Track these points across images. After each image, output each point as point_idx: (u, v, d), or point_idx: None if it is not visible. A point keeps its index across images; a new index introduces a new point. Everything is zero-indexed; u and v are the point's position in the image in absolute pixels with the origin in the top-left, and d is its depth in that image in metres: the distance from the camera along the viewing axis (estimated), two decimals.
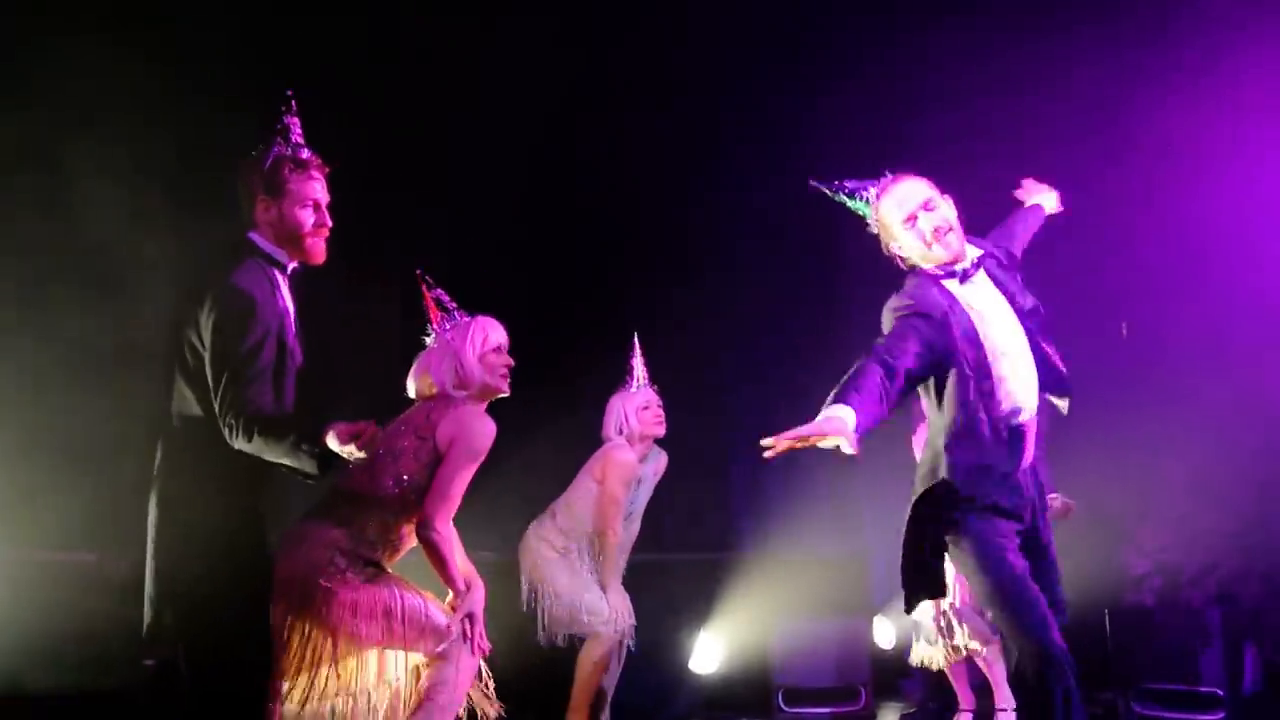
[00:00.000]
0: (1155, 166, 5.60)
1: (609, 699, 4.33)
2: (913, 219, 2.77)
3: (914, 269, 2.83)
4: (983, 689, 4.55)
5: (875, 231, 2.89)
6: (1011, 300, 2.78)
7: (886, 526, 4.85)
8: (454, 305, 3.33)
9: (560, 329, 5.69)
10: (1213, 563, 5.86)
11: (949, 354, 2.66)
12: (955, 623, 4.36)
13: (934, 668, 4.58)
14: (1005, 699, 4.39)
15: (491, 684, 3.09)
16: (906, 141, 5.88)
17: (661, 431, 4.42)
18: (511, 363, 3.26)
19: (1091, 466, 4.75)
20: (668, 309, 5.66)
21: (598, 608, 4.17)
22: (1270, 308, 5.63)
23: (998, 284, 2.80)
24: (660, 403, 4.43)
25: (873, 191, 2.87)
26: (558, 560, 4.25)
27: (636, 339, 4.53)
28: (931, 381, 2.71)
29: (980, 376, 2.66)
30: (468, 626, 2.92)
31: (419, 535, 2.95)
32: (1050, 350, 2.79)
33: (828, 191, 2.96)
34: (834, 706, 5.16)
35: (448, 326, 3.28)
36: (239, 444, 2.51)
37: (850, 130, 5.98)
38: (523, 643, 4.27)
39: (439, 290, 3.34)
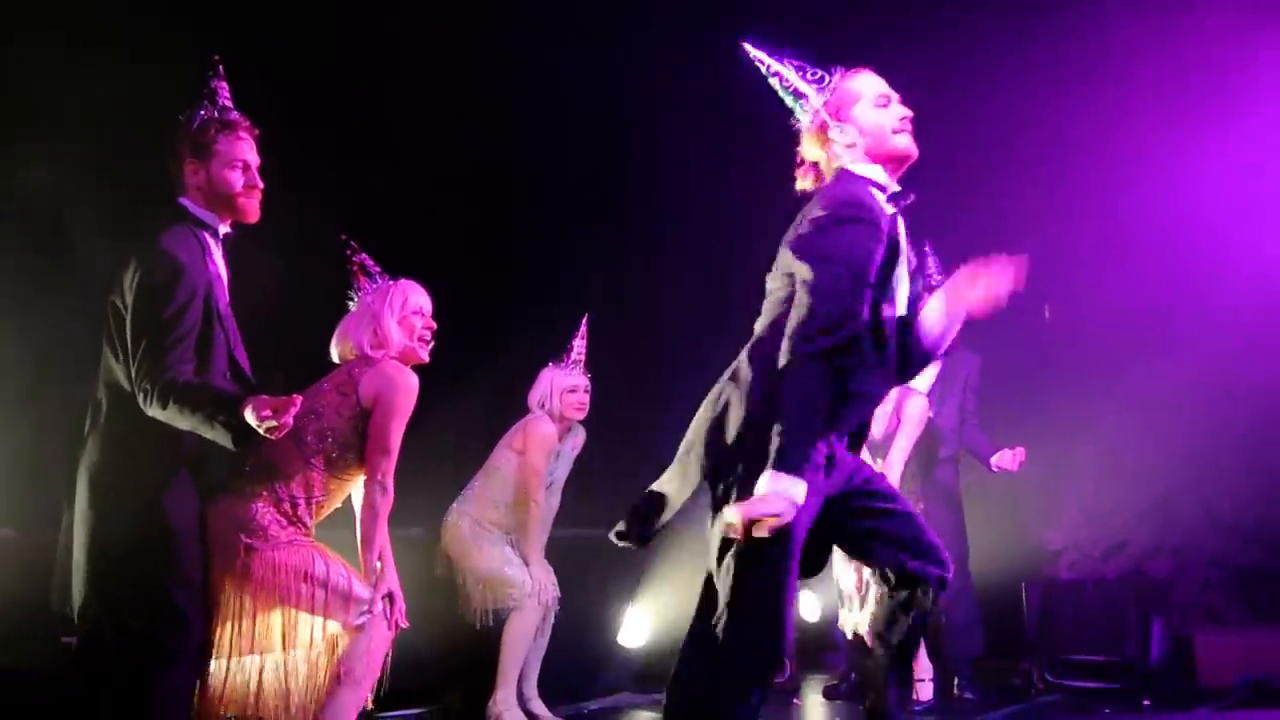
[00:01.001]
0: (1074, 149, 5.75)
1: (536, 673, 4.36)
2: (888, 100, 2.55)
3: (841, 173, 2.54)
4: None
5: (812, 115, 2.58)
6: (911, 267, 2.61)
7: None
8: (378, 270, 3.30)
9: (496, 301, 5.66)
10: (1125, 539, 6.09)
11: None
12: (875, 590, 4.44)
13: (852, 634, 4.67)
14: (924, 668, 4.52)
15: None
16: None
17: (580, 417, 4.45)
18: (433, 326, 3.23)
19: (1012, 445, 4.88)
20: (606, 281, 5.69)
21: (520, 581, 4.18)
22: (1184, 292, 5.83)
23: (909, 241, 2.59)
24: (588, 388, 4.45)
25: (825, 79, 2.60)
26: (479, 534, 4.25)
27: (586, 320, 4.54)
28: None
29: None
30: (387, 604, 2.92)
31: (366, 489, 2.95)
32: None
33: (763, 59, 2.67)
34: None
35: (369, 289, 3.25)
36: (152, 411, 2.47)
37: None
38: (448, 619, 4.29)
39: (363, 255, 3.31)
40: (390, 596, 2.93)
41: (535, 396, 4.44)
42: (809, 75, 2.63)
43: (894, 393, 4.57)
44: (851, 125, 2.55)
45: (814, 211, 2.45)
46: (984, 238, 5.61)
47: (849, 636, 4.73)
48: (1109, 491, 6.05)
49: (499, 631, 4.18)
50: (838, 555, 4.61)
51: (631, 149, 6.15)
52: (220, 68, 2.75)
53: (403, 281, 3.28)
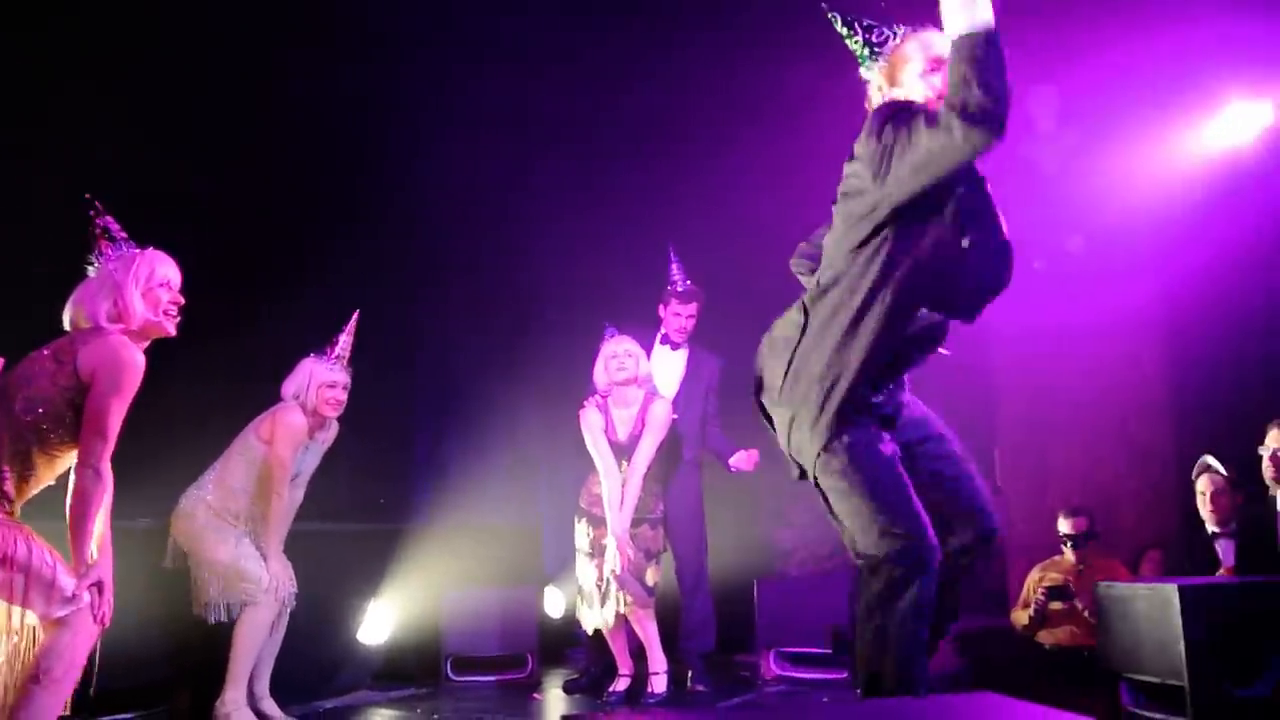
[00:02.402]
0: (814, 165, 6.09)
1: (269, 672, 4.21)
2: (939, 64, 2.52)
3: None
4: (639, 654, 4.81)
5: (879, 67, 2.61)
6: None
7: (560, 498, 5.07)
8: (123, 236, 3.08)
9: (245, 281, 5.38)
10: None
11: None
12: (615, 587, 4.58)
13: (592, 630, 4.79)
14: (659, 661, 4.68)
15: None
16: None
17: (332, 414, 4.32)
18: (181, 301, 3.04)
19: (748, 448, 5.13)
20: (361, 269, 5.53)
21: (256, 575, 4.02)
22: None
23: None
24: (348, 385, 4.33)
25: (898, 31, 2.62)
26: (216, 525, 4.06)
27: (356, 316, 4.39)
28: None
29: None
30: (95, 595, 2.72)
31: (77, 474, 2.73)
32: None
33: (837, 18, 2.66)
34: (501, 675, 5.28)
35: (112, 256, 3.04)
36: None
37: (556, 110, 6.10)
38: (175, 615, 4.09)
39: (109, 218, 3.08)
40: (99, 587, 2.73)
41: (291, 386, 4.27)
42: (875, 35, 2.64)
43: (639, 396, 4.73)
44: (900, 90, 2.57)
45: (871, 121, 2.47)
46: (731, 250, 5.88)
47: (589, 633, 4.85)
48: None
49: (230, 628, 4.01)
50: (581, 554, 4.72)
51: (397, 144, 6.01)
52: None
53: (150, 251, 3.07)
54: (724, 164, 5.99)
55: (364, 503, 5.89)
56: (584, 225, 6.38)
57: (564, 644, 6.01)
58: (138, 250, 3.07)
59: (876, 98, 2.66)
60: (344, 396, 4.32)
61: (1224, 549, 4.53)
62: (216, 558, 4.01)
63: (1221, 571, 4.48)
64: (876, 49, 2.66)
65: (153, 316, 2.99)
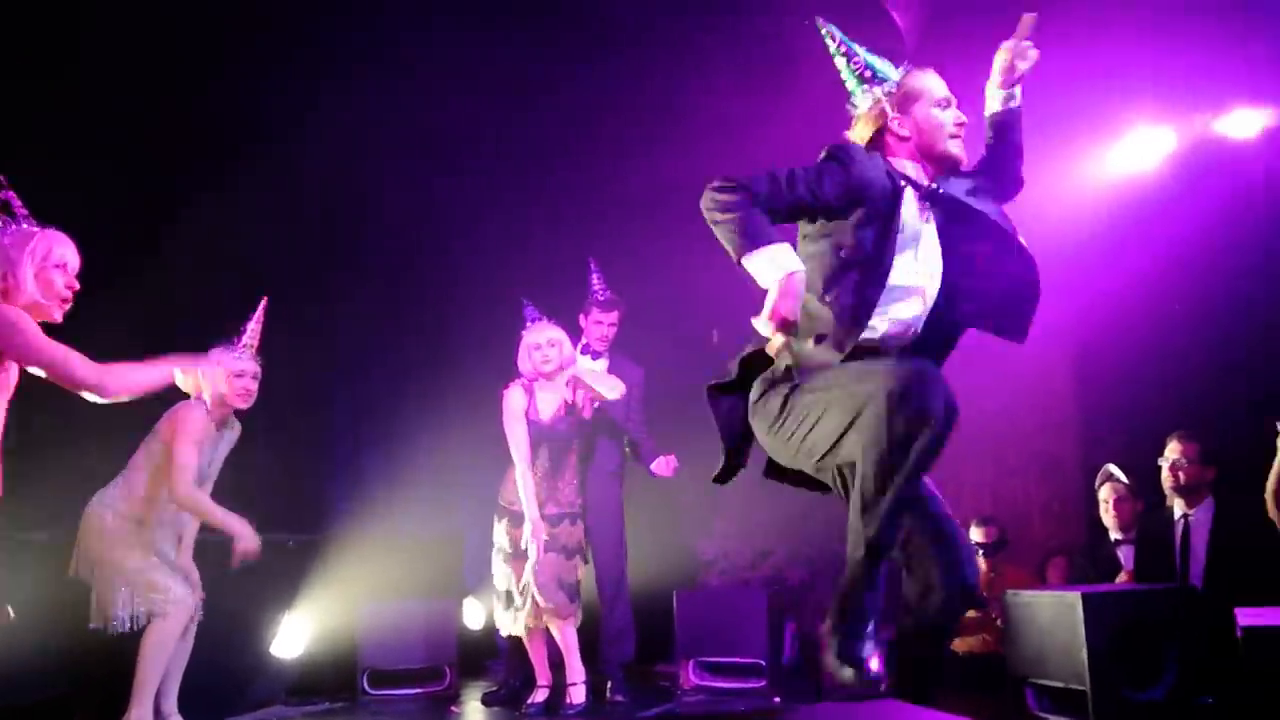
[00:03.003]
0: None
1: (177, 686, 4.08)
2: (948, 103, 2.66)
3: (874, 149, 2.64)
4: (559, 664, 4.79)
5: (874, 102, 2.68)
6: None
7: (481, 509, 5.03)
8: (24, 212, 2.98)
9: (160, 281, 5.24)
10: (768, 549, 6.61)
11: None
12: (536, 595, 4.55)
13: (508, 634, 4.76)
14: (577, 671, 4.67)
15: None
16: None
17: (244, 405, 4.15)
18: (76, 287, 2.96)
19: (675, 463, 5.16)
20: (276, 272, 5.43)
21: (166, 585, 3.90)
22: None
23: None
24: (258, 374, 4.17)
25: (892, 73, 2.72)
26: (124, 531, 3.93)
27: (264, 302, 4.24)
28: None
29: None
30: None
31: None
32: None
33: (835, 35, 2.77)
34: (419, 688, 5.22)
35: (9, 231, 2.93)
36: None
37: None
38: (77, 627, 3.95)
39: (10, 193, 2.98)
40: None
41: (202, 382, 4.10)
42: (865, 69, 2.74)
43: (565, 380, 4.71)
44: (910, 120, 2.65)
45: None
46: (654, 263, 5.92)
47: (505, 636, 4.81)
48: (757, 507, 6.53)
49: (135, 641, 3.87)
50: (499, 554, 4.69)
51: (315, 146, 5.93)
52: None
53: (50, 230, 2.98)
54: (643, 173, 6.02)
55: (280, 512, 5.78)
56: (507, 229, 6.39)
57: (483, 656, 5.97)
58: (38, 228, 2.98)
59: (867, 126, 2.72)
60: (254, 386, 4.15)
61: (1125, 555, 4.69)
62: (125, 566, 3.88)
63: (1122, 576, 4.63)
64: (868, 80, 2.75)
65: (42, 299, 2.91)
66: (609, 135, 6.32)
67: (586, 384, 4.68)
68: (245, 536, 3.99)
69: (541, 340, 4.67)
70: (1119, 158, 5.82)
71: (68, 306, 2.97)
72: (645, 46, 5.88)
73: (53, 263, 2.94)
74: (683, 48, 5.80)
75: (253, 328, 4.22)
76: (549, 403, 4.70)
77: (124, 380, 2.94)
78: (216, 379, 4.05)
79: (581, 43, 5.90)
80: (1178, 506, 4.34)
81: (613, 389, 4.69)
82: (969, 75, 5.64)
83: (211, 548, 4.30)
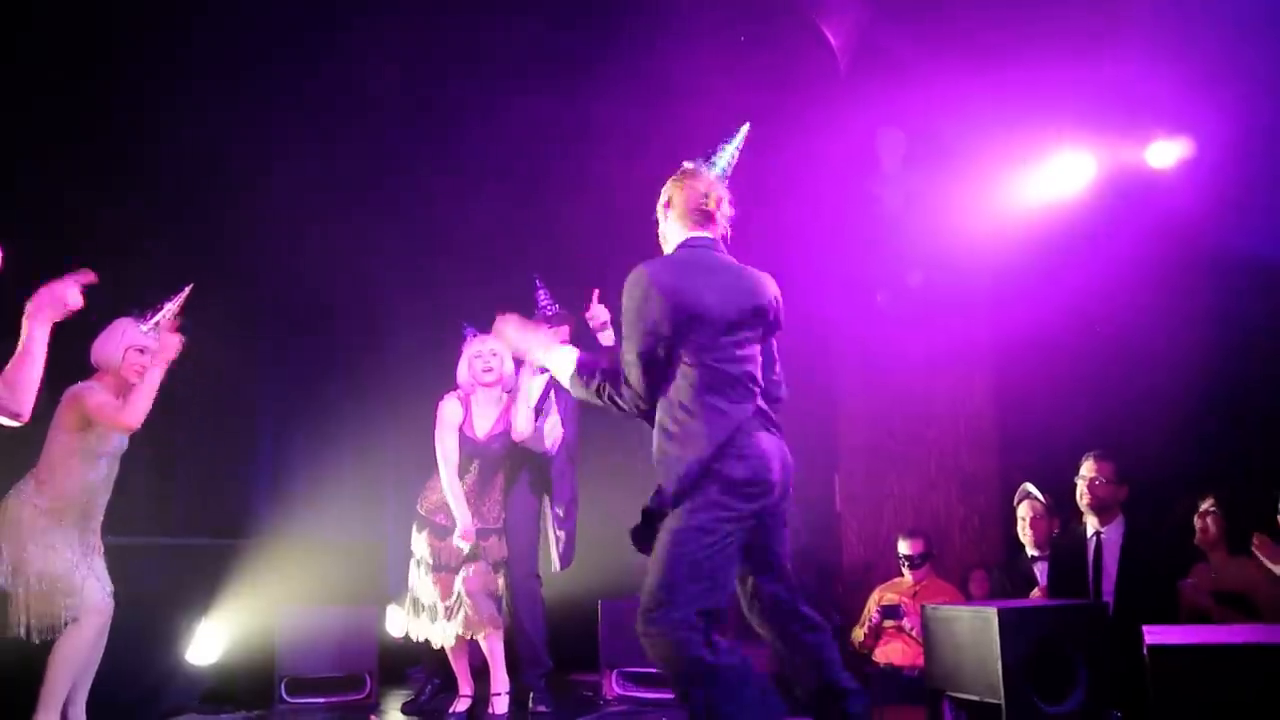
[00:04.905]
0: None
1: (86, 692, 3.94)
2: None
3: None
4: (481, 673, 4.76)
5: (692, 189, 3.04)
6: None
7: (406, 514, 4.97)
8: None
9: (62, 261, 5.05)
10: None
11: None
12: (468, 606, 4.51)
13: (423, 640, 4.70)
14: (501, 682, 4.64)
15: None
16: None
17: (136, 381, 3.88)
18: None
19: (610, 474, 5.16)
20: (201, 270, 5.30)
21: (78, 588, 3.76)
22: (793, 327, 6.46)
23: None
24: (154, 354, 3.90)
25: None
26: (41, 529, 3.76)
27: (188, 290, 4.05)
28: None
29: None
30: None
31: None
32: None
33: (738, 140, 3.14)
34: (338, 696, 5.14)
35: None
36: None
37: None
38: None
39: None
40: None
41: (105, 349, 3.91)
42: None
43: (503, 398, 4.68)
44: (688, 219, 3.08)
45: None
46: (592, 277, 5.94)
47: (419, 640, 4.75)
48: None
49: (43, 647, 3.75)
50: (420, 565, 4.65)
51: (242, 148, 5.81)
52: None
53: None
54: (593, 191, 6.02)
55: (200, 515, 5.67)
56: (433, 230, 6.36)
57: (404, 663, 5.89)
58: None
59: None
60: (148, 363, 3.90)
61: (1041, 570, 4.81)
62: (35, 565, 3.73)
63: (1036, 592, 4.75)
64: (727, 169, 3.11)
65: None
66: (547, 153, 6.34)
67: (512, 414, 4.66)
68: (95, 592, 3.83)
69: (484, 350, 4.64)
70: (1041, 182, 5.97)
71: None
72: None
73: None
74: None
75: (169, 307, 4.03)
76: (486, 418, 4.67)
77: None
78: (116, 349, 3.90)
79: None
80: (1090, 524, 4.46)
81: (537, 441, 4.70)
82: (898, 94, 5.77)
83: (128, 552, 4.19)
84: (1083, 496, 4.43)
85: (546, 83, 5.97)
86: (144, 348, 3.93)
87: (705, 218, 3.05)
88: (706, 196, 3.05)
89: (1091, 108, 5.69)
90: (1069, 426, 5.44)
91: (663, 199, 3.12)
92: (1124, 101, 5.60)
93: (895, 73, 5.89)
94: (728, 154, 3.15)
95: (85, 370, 3.95)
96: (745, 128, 3.19)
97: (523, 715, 4.73)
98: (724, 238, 3.10)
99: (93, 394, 3.86)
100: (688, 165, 3.13)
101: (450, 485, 4.53)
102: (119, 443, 3.98)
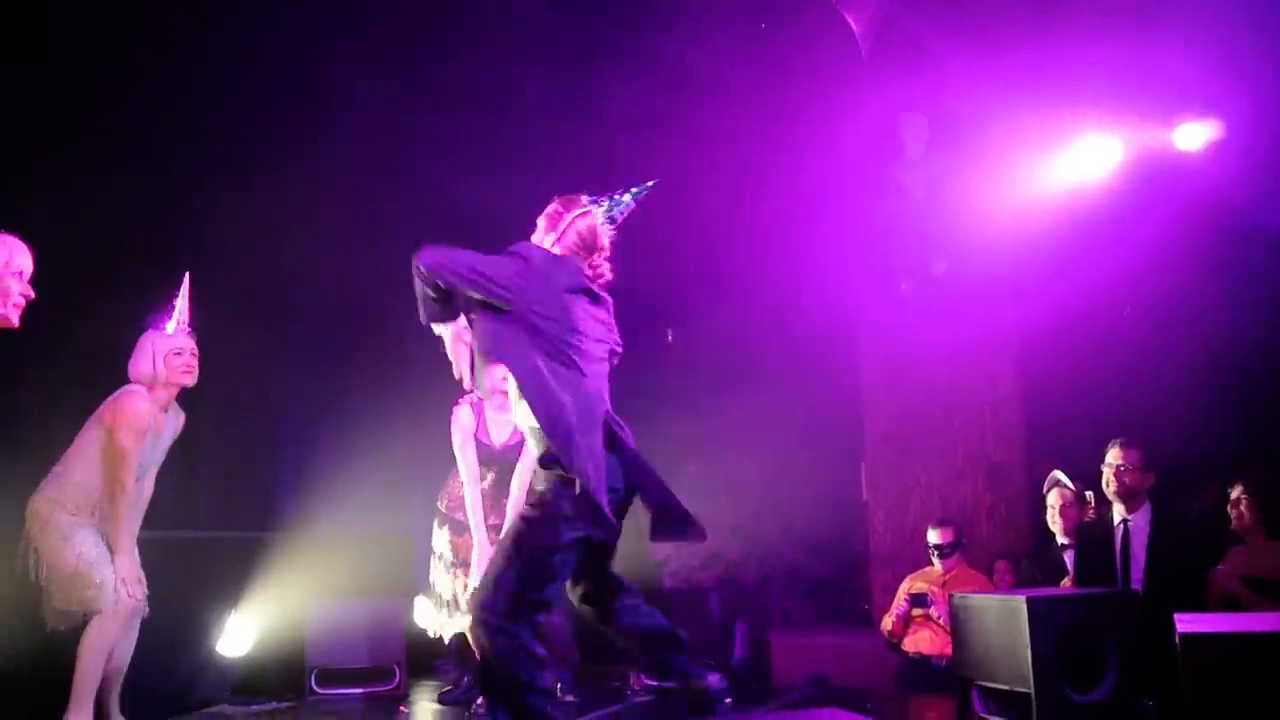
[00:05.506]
0: (691, 187, 6.18)
1: (119, 686, 3.99)
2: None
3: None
4: None
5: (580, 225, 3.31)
6: None
7: (432, 507, 5.00)
8: None
9: (103, 273, 5.11)
10: (720, 551, 6.63)
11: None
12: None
13: (449, 637, 4.73)
14: None
15: None
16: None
17: (189, 382, 4.05)
18: (31, 295, 2.93)
19: None
20: (224, 265, 5.34)
21: (102, 580, 3.79)
22: (788, 327, 6.45)
23: None
24: (195, 351, 4.08)
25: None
26: (67, 524, 3.81)
27: (188, 278, 4.14)
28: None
29: None
30: None
31: None
32: None
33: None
34: (367, 687, 5.18)
35: None
36: None
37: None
38: (15, 628, 3.86)
39: None
40: None
41: (138, 367, 4.01)
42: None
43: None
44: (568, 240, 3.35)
45: None
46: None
47: (444, 639, 4.78)
48: (708, 508, 6.55)
49: (75, 638, 3.79)
50: (440, 561, 4.68)
51: (263, 143, 5.83)
52: None
53: (5, 236, 2.95)
54: (601, 173, 6.00)
55: (226, 509, 5.71)
56: (458, 224, 6.33)
57: (432, 655, 5.92)
58: None
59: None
60: (194, 361, 4.06)
61: (1071, 559, 4.77)
62: (61, 559, 3.78)
63: (1067, 581, 4.72)
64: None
65: (1, 308, 2.87)
66: (556, 136, 6.32)
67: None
68: (126, 577, 3.87)
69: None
70: (1066, 166, 5.91)
71: (20, 312, 2.93)
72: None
73: (11, 270, 2.93)
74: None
75: (180, 305, 4.13)
76: (502, 426, 4.69)
77: None
78: (153, 362, 3.99)
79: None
80: (1117, 512, 4.42)
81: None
82: (921, 78, 5.72)
83: (160, 546, 4.22)
84: (1109, 484, 4.40)
85: (561, 71, 5.95)
86: (179, 349, 4.04)
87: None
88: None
89: (1118, 90, 5.63)
90: (1095, 413, 5.40)
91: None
92: (1151, 83, 5.53)
93: (917, 57, 5.85)
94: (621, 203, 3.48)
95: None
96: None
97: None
98: None
99: (131, 399, 3.93)
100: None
101: (472, 502, 4.57)
102: (150, 439, 4.03)
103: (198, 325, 4.18)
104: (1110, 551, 4.37)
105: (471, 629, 3.10)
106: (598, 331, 3.23)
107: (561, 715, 3.21)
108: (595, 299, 3.25)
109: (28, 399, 4.18)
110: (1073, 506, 4.92)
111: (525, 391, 3.05)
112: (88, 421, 3.97)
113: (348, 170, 6.02)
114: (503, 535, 3.25)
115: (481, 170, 6.26)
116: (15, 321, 2.93)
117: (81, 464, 3.90)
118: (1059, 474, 4.98)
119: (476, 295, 3.09)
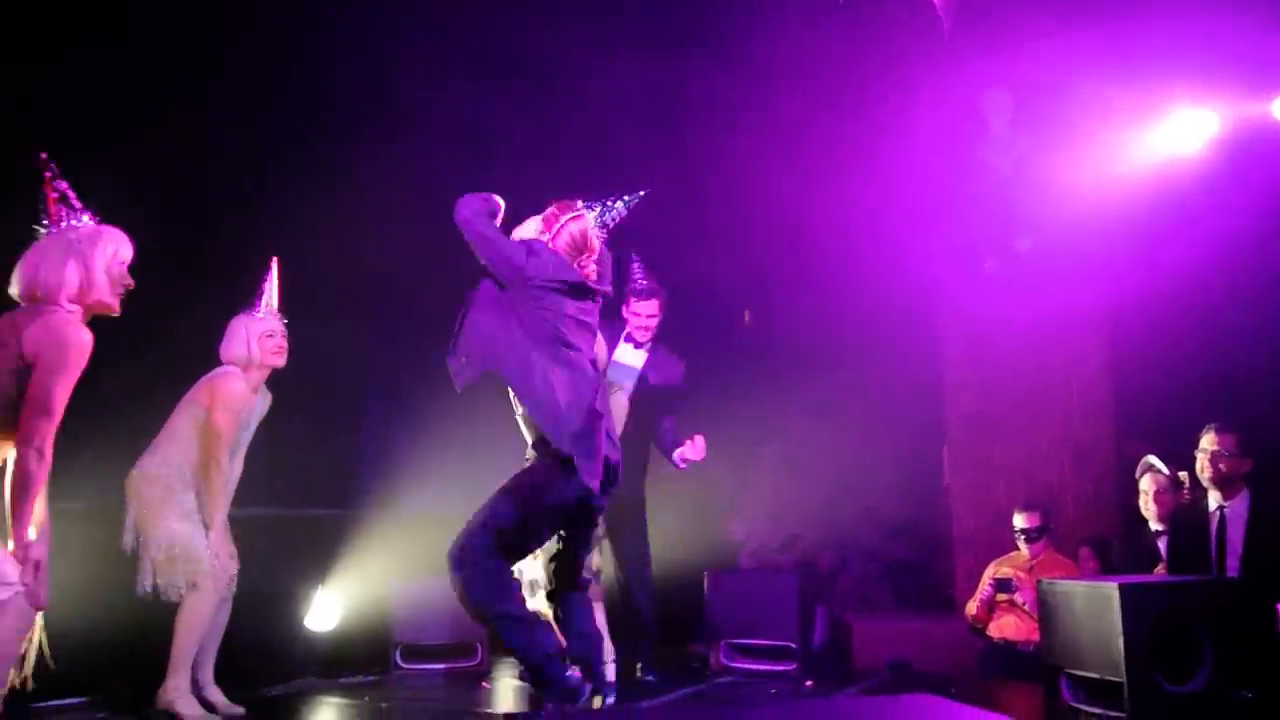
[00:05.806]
0: (769, 171, 6.13)
1: (213, 658, 4.14)
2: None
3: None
4: None
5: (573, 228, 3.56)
6: None
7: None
8: (81, 205, 3.03)
9: (193, 257, 5.25)
10: (798, 533, 6.61)
11: None
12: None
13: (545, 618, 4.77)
14: (607, 651, 4.67)
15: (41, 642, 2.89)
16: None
17: (281, 363, 4.20)
18: (132, 284, 3.04)
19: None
20: (309, 247, 5.44)
21: (199, 555, 3.91)
22: (868, 308, 6.37)
23: None
24: (285, 333, 4.22)
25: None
26: (166, 498, 3.93)
27: (276, 263, 4.27)
28: None
29: None
30: (31, 579, 2.68)
31: (20, 454, 2.70)
32: None
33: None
34: (451, 663, 5.26)
35: (73, 227, 2.99)
36: None
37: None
38: (116, 598, 3.99)
39: (65, 183, 3.02)
40: (35, 570, 2.69)
41: (231, 349, 4.15)
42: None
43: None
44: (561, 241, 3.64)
45: None
46: (687, 250, 5.92)
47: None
48: (787, 489, 6.53)
49: (173, 610, 3.91)
50: None
51: (343, 121, 5.91)
52: None
53: (113, 229, 3.06)
54: (673, 156, 5.98)
55: (311, 488, 5.83)
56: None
57: None
58: (99, 225, 3.04)
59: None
60: (285, 343, 4.21)
61: (1164, 546, 4.64)
62: (162, 534, 3.90)
63: (1160, 568, 4.60)
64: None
65: (107, 297, 2.98)
66: (637, 122, 6.30)
67: None
68: (220, 552, 4.02)
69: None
70: (1158, 141, 5.73)
71: (121, 298, 3.05)
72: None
73: (119, 261, 3.03)
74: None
75: (268, 288, 4.27)
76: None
77: (37, 482, 2.76)
78: (246, 345, 4.13)
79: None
80: (1213, 499, 4.29)
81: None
82: (1005, 54, 5.57)
83: (248, 524, 4.34)
84: (1204, 470, 4.27)
85: (639, 61, 5.93)
86: (271, 331, 4.18)
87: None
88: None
89: (1213, 61, 5.44)
90: (1187, 391, 5.25)
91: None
92: (1248, 53, 5.33)
93: (1001, 32, 5.72)
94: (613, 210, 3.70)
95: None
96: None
97: (630, 684, 4.78)
98: None
99: (229, 380, 4.06)
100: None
101: None
102: (244, 419, 4.14)
103: (284, 310, 4.30)
104: (1205, 538, 4.24)
105: (451, 576, 3.47)
106: (586, 329, 3.52)
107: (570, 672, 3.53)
108: (588, 295, 3.51)
109: (126, 380, 4.30)
110: (1167, 492, 4.76)
111: (518, 386, 3.38)
112: (181, 402, 4.10)
113: (427, 161, 6.09)
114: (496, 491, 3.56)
115: (563, 160, 6.29)
116: (118, 309, 3.03)
117: (178, 442, 4.03)
118: (1153, 459, 4.84)
119: (482, 262, 3.44)
